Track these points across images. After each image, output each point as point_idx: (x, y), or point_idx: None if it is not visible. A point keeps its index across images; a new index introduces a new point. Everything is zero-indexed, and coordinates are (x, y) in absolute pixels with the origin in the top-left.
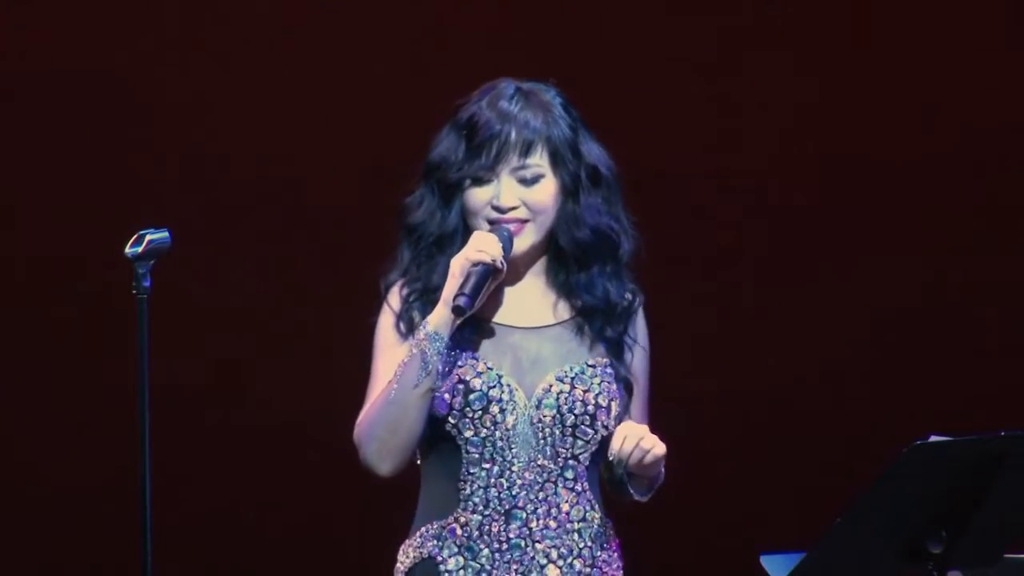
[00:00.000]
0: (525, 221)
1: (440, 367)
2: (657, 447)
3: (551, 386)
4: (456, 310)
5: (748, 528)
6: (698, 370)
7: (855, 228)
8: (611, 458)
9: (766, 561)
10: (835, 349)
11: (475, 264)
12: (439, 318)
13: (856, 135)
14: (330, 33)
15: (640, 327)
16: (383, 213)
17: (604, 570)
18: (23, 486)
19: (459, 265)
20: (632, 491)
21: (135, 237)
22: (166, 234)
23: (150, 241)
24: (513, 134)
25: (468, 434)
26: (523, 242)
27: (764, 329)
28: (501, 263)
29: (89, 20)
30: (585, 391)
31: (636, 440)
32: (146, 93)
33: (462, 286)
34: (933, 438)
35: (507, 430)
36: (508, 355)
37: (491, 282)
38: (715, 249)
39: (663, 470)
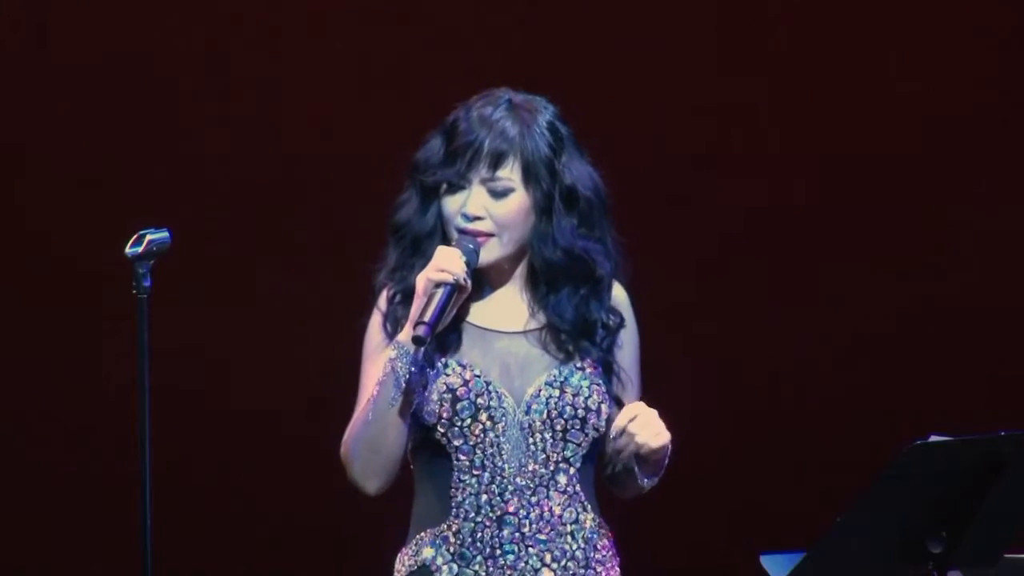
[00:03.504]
0: (491, 235)
1: (415, 383)
2: (663, 434)
3: (540, 391)
4: (416, 340)
5: (748, 527)
6: (696, 368)
7: (858, 227)
8: (612, 436)
9: (766, 561)
10: (835, 348)
11: (437, 285)
12: (408, 335)
13: (866, 134)
14: (331, 34)
15: (628, 341)
16: (386, 213)
17: (598, 570)
18: (23, 485)
19: (422, 285)
20: (639, 475)
21: (135, 237)
22: (166, 234)
23: (150, 241)
24: (487, 143)
25: (458, 442)
26: (487, 255)
27: (764, 328)
28: (465, 280)
29: (89, 21)
30: (575, 395)
31: (641, 426)
32: (146, 93)
33: (423, 312)
34: (933, 438)
35: (496, 436)
36: (496, 360)
37: (457, 297)
38: (717, 245)
39: (666, 459)
